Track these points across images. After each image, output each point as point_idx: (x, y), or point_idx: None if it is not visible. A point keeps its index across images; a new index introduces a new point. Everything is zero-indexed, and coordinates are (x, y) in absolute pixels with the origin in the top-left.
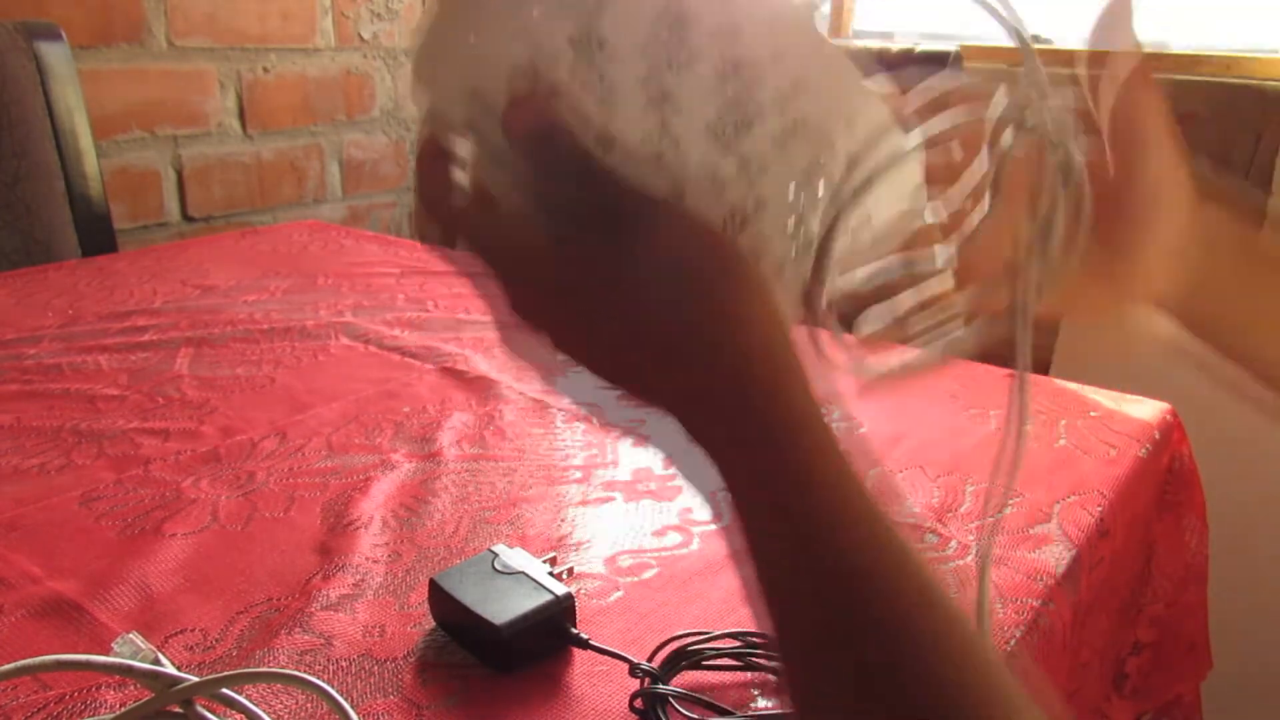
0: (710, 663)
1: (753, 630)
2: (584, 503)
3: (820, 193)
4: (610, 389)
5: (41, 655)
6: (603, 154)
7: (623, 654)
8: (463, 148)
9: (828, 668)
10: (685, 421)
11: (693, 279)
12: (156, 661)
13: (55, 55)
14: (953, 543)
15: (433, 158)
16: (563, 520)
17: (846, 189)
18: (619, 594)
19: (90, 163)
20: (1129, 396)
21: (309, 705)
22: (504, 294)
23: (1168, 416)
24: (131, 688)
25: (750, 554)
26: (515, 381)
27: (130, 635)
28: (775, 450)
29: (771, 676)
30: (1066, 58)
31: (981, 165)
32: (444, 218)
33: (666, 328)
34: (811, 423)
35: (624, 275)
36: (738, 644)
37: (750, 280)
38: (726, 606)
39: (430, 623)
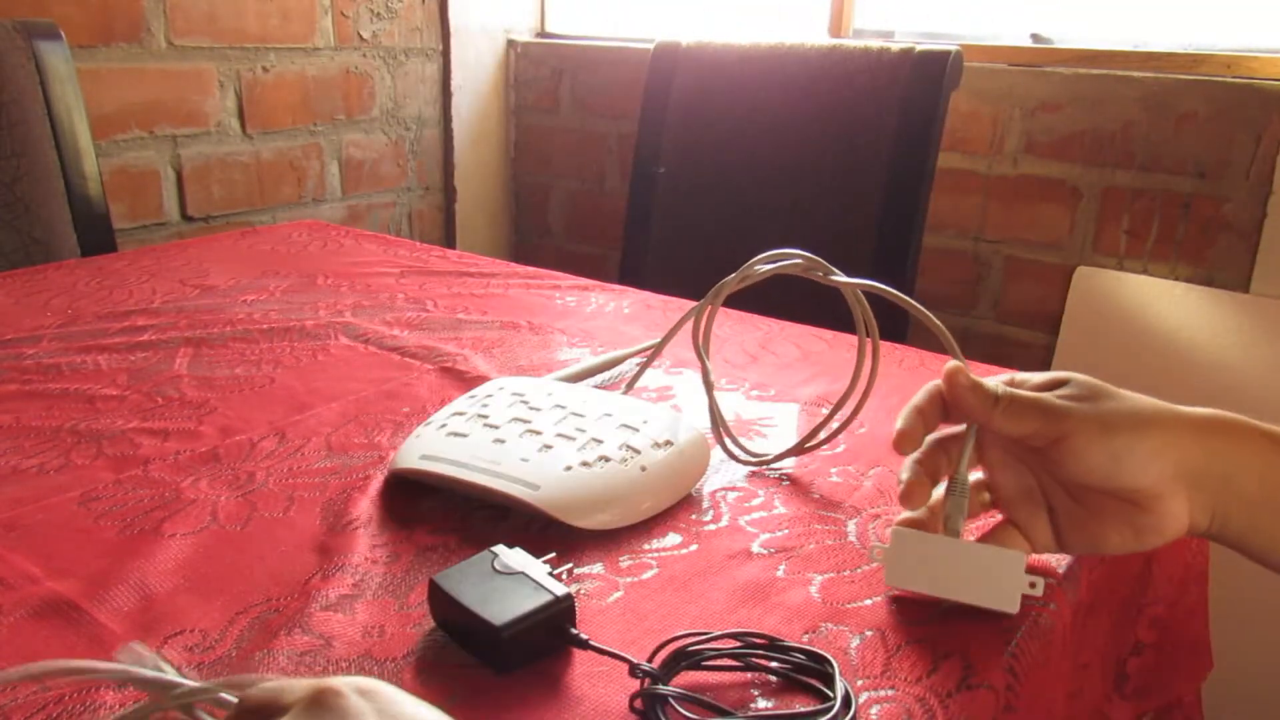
0: (710, 663)
1: (753, 630)
2: None
3: None
4: None
5: (42, 660)
6: None
7: (623, 654)
8: None
9: None
10: None
11: None
12: (158, 668)
13: (55, 54)
14: None
15: None
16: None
17: None
18: (619, 594)
19: (89, 162)
20: None
21: None
22: None
23: None
24: (131, 689)
25: None
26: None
27: (133, 644)
28: None
29: (771, 677)
30: (1067, 57)
31: None
32: None
33: None
34: None
35: None
36: (738, 644)
37: None
38: (726, 606)
39: (430, 623)
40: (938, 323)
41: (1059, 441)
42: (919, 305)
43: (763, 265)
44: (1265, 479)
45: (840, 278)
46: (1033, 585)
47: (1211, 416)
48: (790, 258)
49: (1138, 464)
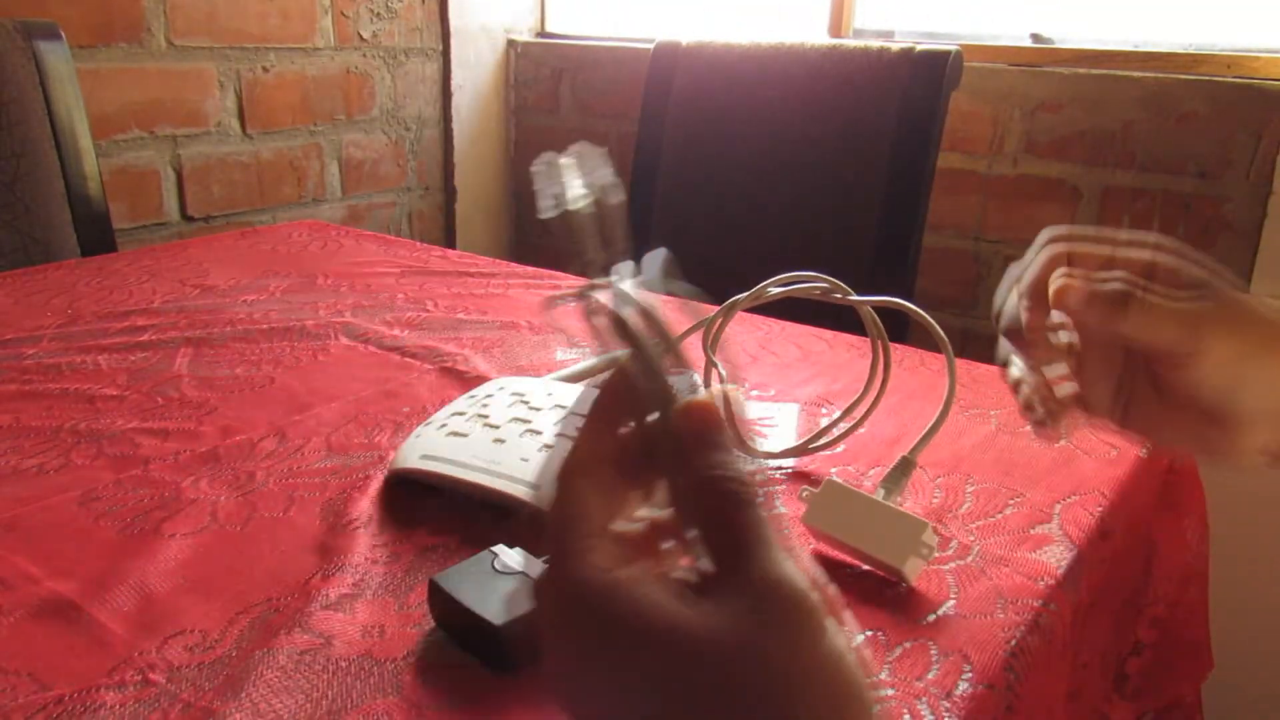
0: None
1: None
2: None
3: None
4: None
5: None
6: None
7: None
8: None
9: None
10: None
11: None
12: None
13: (55, 54)
14: (953, 543)
15: None
16: None
17: None
18: None
19: (89, 162)
20: None
21: None
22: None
23: None
24: (132, 689)
25: None
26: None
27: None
28: None
29: None
30: (1067, 57)
31: None
32: None
33: None
34: None
35: None
36: None
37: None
38: None
39: (430, 623)
40: (944, 336)
41: (1185, 354)
42: (934, 322)
43: (780, 286)
44: None
45: (857, 298)
46: (927, 550)
47: None
48: (808, 280)
49: (1257, 393)
